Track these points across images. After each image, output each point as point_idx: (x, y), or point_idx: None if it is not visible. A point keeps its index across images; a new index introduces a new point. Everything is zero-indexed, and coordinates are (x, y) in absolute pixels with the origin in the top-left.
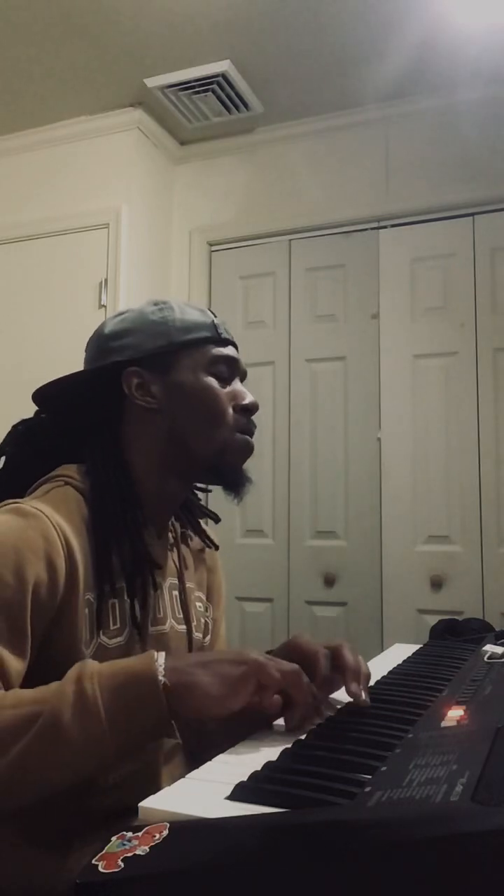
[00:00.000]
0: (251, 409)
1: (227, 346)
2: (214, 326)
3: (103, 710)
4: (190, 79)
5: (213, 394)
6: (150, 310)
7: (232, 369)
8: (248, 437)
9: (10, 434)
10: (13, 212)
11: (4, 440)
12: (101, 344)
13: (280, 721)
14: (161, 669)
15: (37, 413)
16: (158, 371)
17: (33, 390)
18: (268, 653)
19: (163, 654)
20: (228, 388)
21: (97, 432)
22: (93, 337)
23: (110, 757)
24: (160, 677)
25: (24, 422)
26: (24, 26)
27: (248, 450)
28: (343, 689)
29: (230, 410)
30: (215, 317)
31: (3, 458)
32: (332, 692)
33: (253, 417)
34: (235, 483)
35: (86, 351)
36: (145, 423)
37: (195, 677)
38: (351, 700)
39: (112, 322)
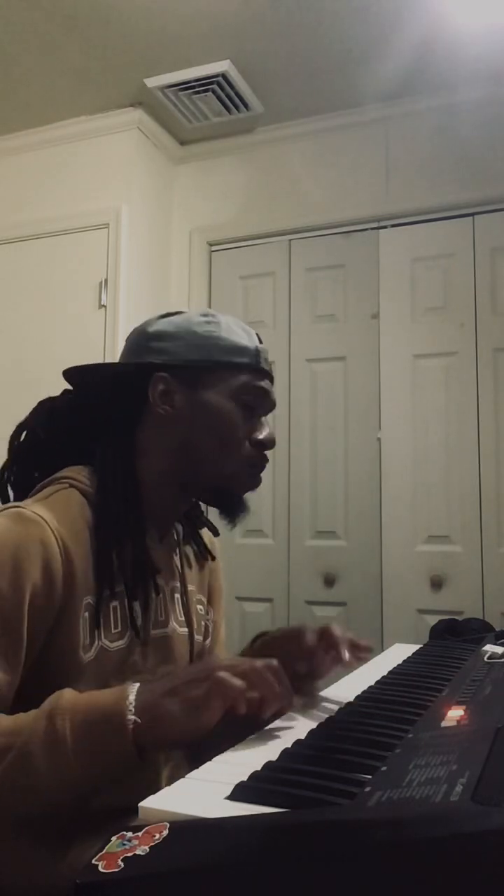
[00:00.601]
0: (266, 444)
1: (263, 378)
2: (257, 354)
3: (70, 747)
4: (190, 79)
5: (232, 421)
6: (198, 320)
7: (260, 402)
8: (256, 471)
9: (35, 409)
10: (13, 212)
11: (29, 416)
12: (140, 340)
13: (281, 722)
14: (131, 707)
15: (63, 392)
16: (187, 383)
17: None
18: (263, 636)
19: (136, 687)
20: (250, 420)
21: (112, 430)
22: (134, 332)
23: (80, 791)
24: (129, 716)
25: (50, 399)
26: (24, 26)
27: (253, 484)
28: (343, 688)
29: (246, 443)
30: (260, 343)
31: (25, 433)
32: (325, 667)
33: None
34: (232, 510)
35: (125, 341)
36: (159, 431)
37: (163, 709)
38: (350, 700)
39: (158, 322)
